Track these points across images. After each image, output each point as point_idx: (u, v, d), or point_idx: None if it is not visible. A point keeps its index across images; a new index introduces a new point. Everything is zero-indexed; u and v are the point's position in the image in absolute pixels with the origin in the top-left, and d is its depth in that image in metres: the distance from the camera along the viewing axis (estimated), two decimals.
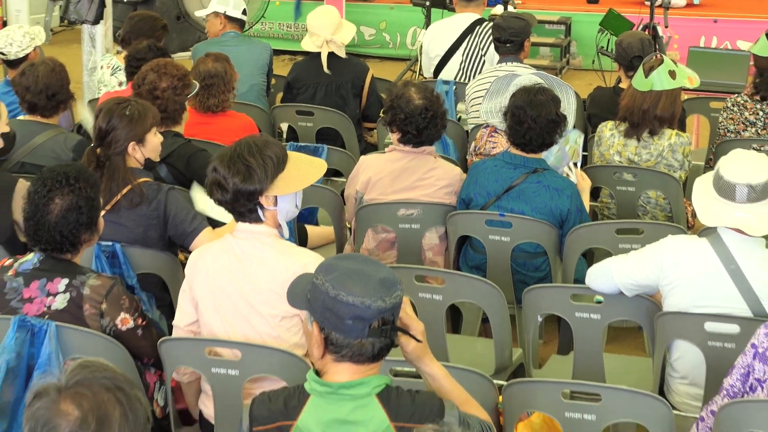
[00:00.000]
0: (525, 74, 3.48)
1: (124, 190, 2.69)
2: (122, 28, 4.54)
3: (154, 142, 2.82)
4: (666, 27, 5.57)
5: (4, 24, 7.24)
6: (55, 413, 1.43)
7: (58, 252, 2.29)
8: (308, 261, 2.20)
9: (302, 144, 3.91)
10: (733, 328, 2.31)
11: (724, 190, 2.34)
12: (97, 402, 1.44)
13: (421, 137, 3.15)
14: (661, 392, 2.48)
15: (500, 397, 2.11)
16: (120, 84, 4.23)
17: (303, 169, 2.31)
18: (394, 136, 3.23)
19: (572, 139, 3.38)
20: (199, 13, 5.15)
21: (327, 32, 4.29)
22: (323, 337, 1.67)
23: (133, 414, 1.45)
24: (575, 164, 3.33)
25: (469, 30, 4.74)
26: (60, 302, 2.26)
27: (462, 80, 4.62)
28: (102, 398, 1.44)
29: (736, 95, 4.03)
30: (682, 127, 3.79)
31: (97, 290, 2.25)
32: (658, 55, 3.58)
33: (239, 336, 2.24)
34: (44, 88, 3.40)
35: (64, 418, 1.42)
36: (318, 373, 1.71)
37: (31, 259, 2.32)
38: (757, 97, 3.91)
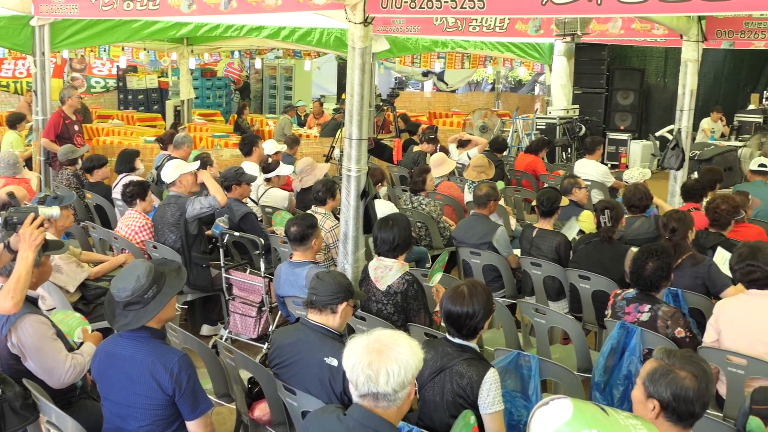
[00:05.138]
0: None
1: (684, 256, 4.45)
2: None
3: None
4: None
5: None
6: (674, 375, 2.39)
7: (647, 291, 3.96)
8: None
9: None
10: None
11: None
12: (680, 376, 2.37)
13: None
14: None
15: None
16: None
17: None
18: None
19: None
20: None
21: None
22: None
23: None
24: None
25: None
26: (645, 317, 3.87)
27: None
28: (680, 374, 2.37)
29: None
30: None
31: (666, 313, 3.85)
32: None
33: (746, 352, 3.60)
34: None
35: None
36: None
37: (631, 291, 4.03)
38: None
